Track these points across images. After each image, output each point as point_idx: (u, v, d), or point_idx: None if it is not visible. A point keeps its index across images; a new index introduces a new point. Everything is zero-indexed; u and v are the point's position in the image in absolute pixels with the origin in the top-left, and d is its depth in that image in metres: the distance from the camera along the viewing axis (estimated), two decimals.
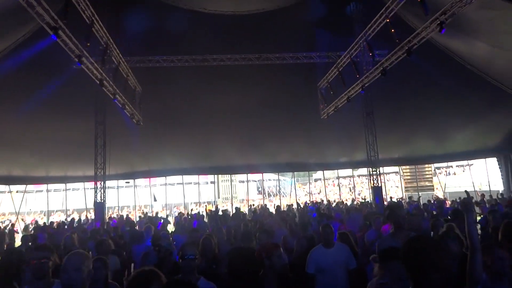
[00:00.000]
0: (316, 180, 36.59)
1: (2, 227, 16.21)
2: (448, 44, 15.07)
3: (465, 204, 2.74)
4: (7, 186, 21.40)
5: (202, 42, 15.39)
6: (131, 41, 14.81)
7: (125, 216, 18.45)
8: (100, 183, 14.78)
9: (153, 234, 6.59)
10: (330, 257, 4.38)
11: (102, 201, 14.57)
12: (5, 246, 11.50)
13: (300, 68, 16.67)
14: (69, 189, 25.77)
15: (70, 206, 25.79)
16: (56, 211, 26.25)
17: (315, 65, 16.84)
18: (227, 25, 15.43)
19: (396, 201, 19.31)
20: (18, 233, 16.28)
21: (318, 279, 4.39)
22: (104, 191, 14.77)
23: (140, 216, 17.55)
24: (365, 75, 13.88)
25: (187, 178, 25.35)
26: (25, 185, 21.88)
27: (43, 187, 24.61)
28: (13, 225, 17.17)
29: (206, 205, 24.30)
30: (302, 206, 19.32)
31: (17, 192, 23.14)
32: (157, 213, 17.28)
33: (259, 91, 17.50)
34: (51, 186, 24.67)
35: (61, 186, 23.65)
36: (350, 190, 32.31)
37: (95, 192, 14.55)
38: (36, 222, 19.61)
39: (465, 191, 3.19)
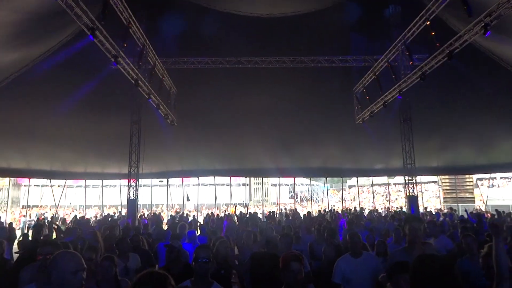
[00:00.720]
0: (350, 187, 35.85)
1: (41, 219, 16.98)
2: (492, 48, 14.28)
3: (494, 226, 2.48)
4: (48, 180, 22.41)
5: (236, 44, 15.45)
6: (167, 42, 15.13)
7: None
8: (134, 181, 15.14)
9: (171, 234, 6.58)
10: (358, 266, 4.20)
11: (135, 198, 14.89)
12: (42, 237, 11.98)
13: (335, 72, 16.36)
14: (107, 185, 26.74)
15: (106, 202, 26.77)
16: (94, 206, 27.25)
17: (351, 69, 16.47)
18: (262, 28, 15.42)
19: (427, 211, 18.47)
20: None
21: None
22: (137, 189, 15.10)
23: (171, 215, 17.83)
24: (403, 79, 13.40)
25: (220, 179, 25.54)
26: (64, 180, 22.81)
27: (83, 182, 25.60)
28: (52, 218, 17.91)
29: (235, 207, 24.31)
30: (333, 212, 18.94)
31: (58, 186, 24.26)
32: (183, 213, 17.46)
33: (293, 94, 17.35)
34: (90, 182, 25.72)
35: (99, 182, 24.53)
36: (385, 199, 31.38)
37: (128, 189, 14.91)
38: (75, 216, 20.38)
39: (496, 210, 2.96)
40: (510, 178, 27.23)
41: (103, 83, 13.96)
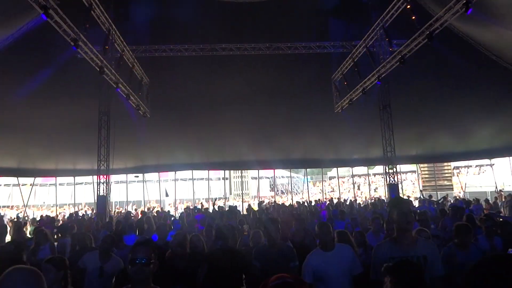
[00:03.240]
0: (330, 178, 35.76)
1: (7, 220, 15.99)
2: (471, 32, 14.06)
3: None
4: (16, 178, 21.26)
5: (210, 31, 14.75)
6: (136, 29, 14.27)
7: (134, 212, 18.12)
8: (104, 177, 14.28)
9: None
10: (330, 261, 3.64)
11: (105, 195, 14.03)
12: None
13: (313, 59, 15.86)
14: (82, 182, 25.69)
15: (80, 199, 25.72)
16: (68, 205, 26.20)
17: (329, 56, 16.02)
18: (236, 13, 14.75)
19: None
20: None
21: None
22: (107, 185, 14.27)
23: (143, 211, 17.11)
24: (381, 64, 13.04)
25: (199, 173, 24.87)
26: (33, 178, 21.68)
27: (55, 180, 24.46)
28: (18, 217, 16.93)
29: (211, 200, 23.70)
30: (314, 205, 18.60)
31: (30, 185, 23.05)
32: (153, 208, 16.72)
33: (271, 83, 16.81)
34: (63, 180, 24.61)
35: (72, 179, 23.48)
36: (366, 189, 31.38)
37: (98, 185, 14.05)
38: (47, 216, 19.39)
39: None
40: (485, 166, 27.48)
41: (67, 70, 13.00)
